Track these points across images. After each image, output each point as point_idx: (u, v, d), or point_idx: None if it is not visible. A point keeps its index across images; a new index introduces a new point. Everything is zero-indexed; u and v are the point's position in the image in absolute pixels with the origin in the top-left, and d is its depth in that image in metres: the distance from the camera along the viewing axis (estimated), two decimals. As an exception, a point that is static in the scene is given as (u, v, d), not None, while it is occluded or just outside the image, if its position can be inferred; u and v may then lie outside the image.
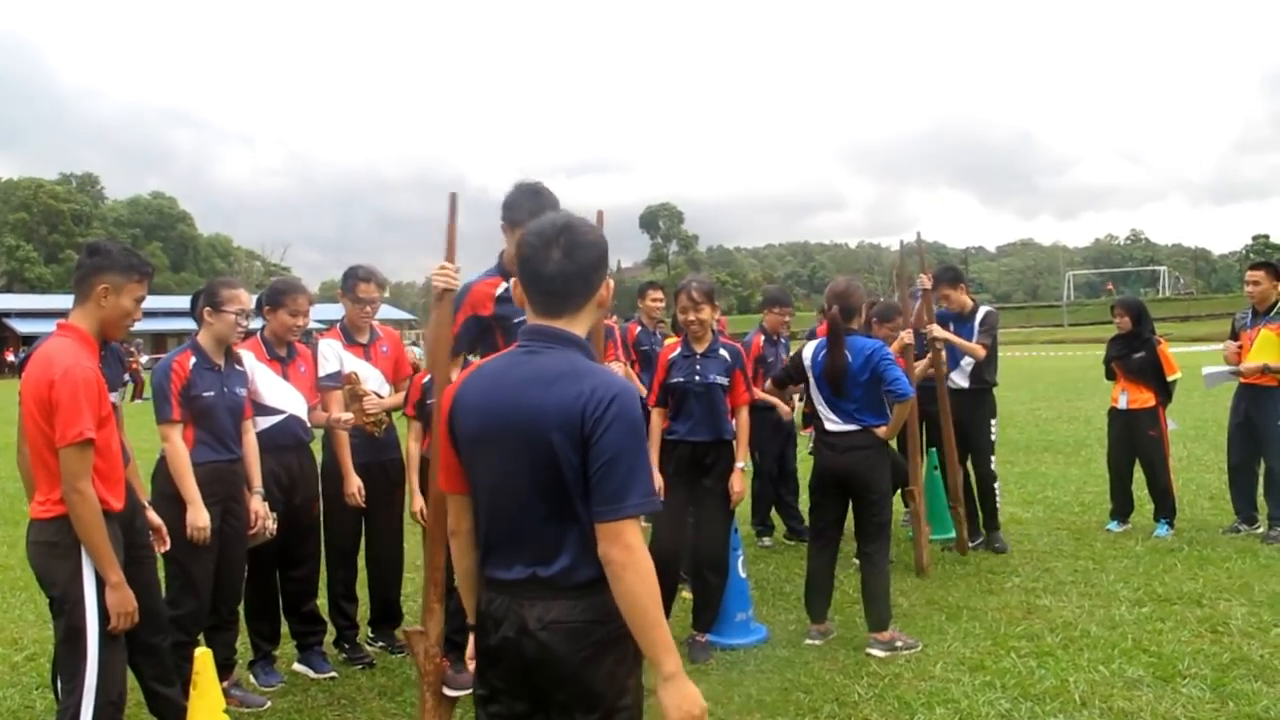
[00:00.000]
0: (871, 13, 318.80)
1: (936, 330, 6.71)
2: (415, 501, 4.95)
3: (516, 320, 3.52)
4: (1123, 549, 6.83)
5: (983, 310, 7.08)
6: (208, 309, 4.40)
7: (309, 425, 4.95)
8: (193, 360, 4.35)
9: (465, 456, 2.28)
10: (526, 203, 3.66)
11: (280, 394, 4.80)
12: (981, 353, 6.89)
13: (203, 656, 3.40)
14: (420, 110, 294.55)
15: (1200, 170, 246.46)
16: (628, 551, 2.09)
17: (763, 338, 7.41)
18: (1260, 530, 7.07)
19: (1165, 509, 7.32)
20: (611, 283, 2.30)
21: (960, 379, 7.01)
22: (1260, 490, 7.18)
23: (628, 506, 2.09)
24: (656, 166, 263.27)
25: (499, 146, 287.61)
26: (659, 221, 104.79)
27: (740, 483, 5.21)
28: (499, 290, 3.81)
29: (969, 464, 7.07)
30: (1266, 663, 4.63)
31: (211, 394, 4.34)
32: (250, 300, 4.55)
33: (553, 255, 2.20)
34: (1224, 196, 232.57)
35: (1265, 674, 4.50)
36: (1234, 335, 7.34)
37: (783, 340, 7.57)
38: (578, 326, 2.26)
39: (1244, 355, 7.10)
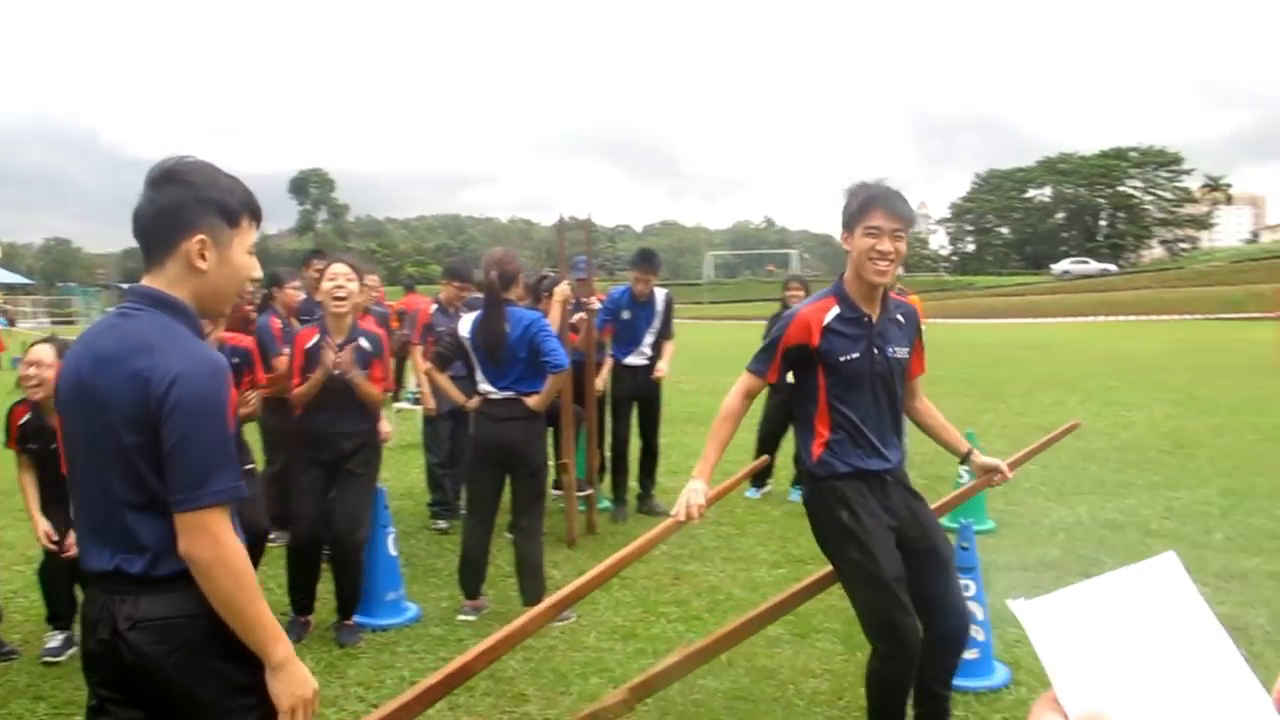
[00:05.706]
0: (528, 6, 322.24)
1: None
2: (39, 526, 4.47)
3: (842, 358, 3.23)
4: (761, 514, 7.23)
5: (662, 293, 7.30)
6: None
7: None
8: None
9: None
10: None
11: None
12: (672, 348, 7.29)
13: None
14: (50, 59, 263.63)
15: (827, 162, 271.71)
16: (214, 546, 1.82)
17: (435, 306, 7.23)
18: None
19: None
20: (209, 243, 1.93)
21: (638, 359, 7.18)
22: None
23: (207, 494, 1.82)
24: (308, 133, 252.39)
25: (138, 102, 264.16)
26: (309, 188, 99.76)
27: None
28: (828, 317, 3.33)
29: (630, 436, 7.28)
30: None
31: None
32: None
33: (147, 194, 1.93)
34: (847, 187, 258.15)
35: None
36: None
37: (456, 312, 7.35)
38: (174, 286, 1.93)
39: None
